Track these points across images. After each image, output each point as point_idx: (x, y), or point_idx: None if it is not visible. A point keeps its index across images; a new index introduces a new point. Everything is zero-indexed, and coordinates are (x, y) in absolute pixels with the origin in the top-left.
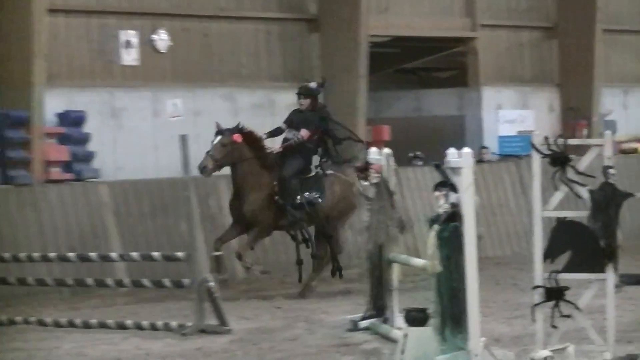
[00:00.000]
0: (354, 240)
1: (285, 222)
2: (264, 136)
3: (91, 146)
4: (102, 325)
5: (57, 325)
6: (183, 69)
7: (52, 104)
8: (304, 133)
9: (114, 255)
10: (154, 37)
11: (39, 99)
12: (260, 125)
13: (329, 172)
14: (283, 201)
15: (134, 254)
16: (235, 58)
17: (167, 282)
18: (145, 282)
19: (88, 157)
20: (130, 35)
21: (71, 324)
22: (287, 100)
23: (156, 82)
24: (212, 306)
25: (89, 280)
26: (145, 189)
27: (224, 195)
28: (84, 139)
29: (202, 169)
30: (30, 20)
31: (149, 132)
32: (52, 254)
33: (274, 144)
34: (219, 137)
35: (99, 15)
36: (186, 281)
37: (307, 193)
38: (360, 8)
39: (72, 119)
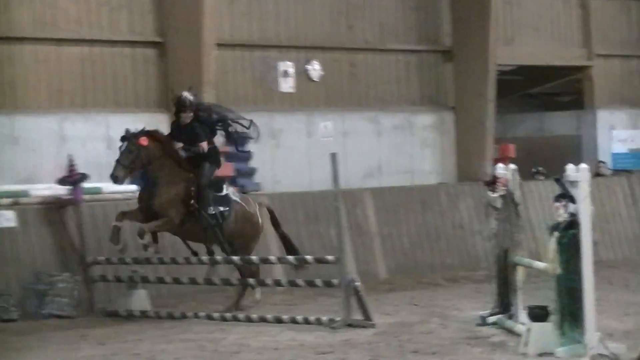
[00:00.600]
0: (482, 245)
1: (192, 228)
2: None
3: (253, 163)
4: (262, 320)
5: (223, 319)
6: (333, 95)
7: None
8: (203, 145)
9: (272, 258)
10: (308, 67)
11: None
12: (400, 144)
13: (236, 198)
14: (199, 206)
15: (290, 257)
16: (378, 85)
17: (318, 281)
18: (300, 281)
19: (250, 173)
20: (288, 66)
21: (235, 319)
22: (424, 122)
23: (310, 107)
24: (358, 303)
25: (251, 280)
26: (300, 200)
27: (368, 206)
28: (247, 157)
29: (114, 178)
30: (201, 53)
31: (303, 150)
32: (218, 257)
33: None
34: (125, 144)
35: (261, 48)
36: (335, 281)
37: (220, 207)
38: (489, 40)
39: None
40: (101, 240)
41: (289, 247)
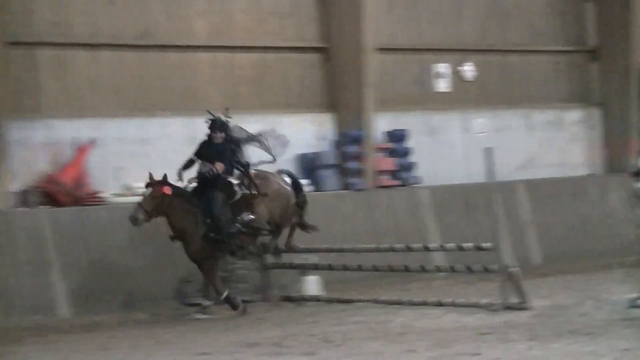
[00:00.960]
0: (631, 233)
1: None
2: (182, 172)
3: (413, 158)
4: (425, 303)
5: (389, 303)
6: (486, 94)
7: (382, 124)
8: (219, 166)
9: (433, 246)
10: (462, 68)
11: (370, 121)
12: (550, 139)
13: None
14: (218, 236)
15: (449, 245)
16: (529, 84)
17: (476, 267)
18: (459, 267)
19: (410, 167)
20: (443, 68)
21: (400, 302)
22: (573, 118)
23: (464, 105)
24: (515, 287)
25: (413, 267)
26: (457, 192)
27: (521, 196)
28: (407, 152)
29: (134, 220)
30: (363, 57)
31: (459, 146)
32: (383, 246)
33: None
34: (149, 190)
35: (418, 52)
36: (492, 266)
37: (239, 217)
38: (632, 40)
39: (397, 136)
40: None
41: (304, 221)
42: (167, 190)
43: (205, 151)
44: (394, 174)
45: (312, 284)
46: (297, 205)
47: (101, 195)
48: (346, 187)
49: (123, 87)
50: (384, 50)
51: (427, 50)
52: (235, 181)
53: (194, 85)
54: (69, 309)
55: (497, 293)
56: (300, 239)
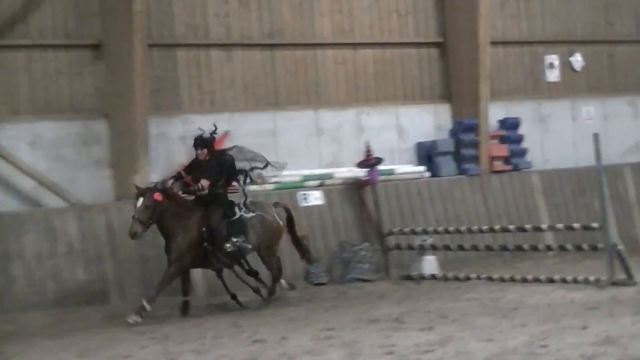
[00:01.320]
0: None
1: (206, 264)
2: (172, 183)
3: (524, 144)
4: (536, 280)
5: (502, 280)
6: (594, 83)
7: (495, 113)
8: (204, 183)
9: (543, 226)
10: (571, 59)
11: (484, 110)
12: None
13: (254, 214)
14: (213, 248)
15: (559, 225)
16: (636, 72)
17: (585, 246)
18: (568, 246)
19: (522, 153)
20: (553, 59)
21: (512, 279)
22: None
23: (573, 94)
24: (621, 264)
25: (525, 246)
26: (566, 176)
27: (628, 179)
28: (519, 139)
29: (133, 234)
30: (477, 50)
31: (568, 132)
32: (496, 227)
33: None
34: (141, 200)
35: (529, 44)
36: (600, 245)
37: (234, 239)
38: None
39: (509, 124)
40: (394, 214)
41: (302, 249)
42: (158, 196)
43: (195, 168)
44: (506, 159)
45: (429, 264)
46: (294, 242)
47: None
48: (462, 172)
49: (254, 84)
50: (497, 43)
51: (538, 42)
52: (236, 202)
53: (320, 81)
54: (204, 289)
55: (604, 270)
56: (419, 220)
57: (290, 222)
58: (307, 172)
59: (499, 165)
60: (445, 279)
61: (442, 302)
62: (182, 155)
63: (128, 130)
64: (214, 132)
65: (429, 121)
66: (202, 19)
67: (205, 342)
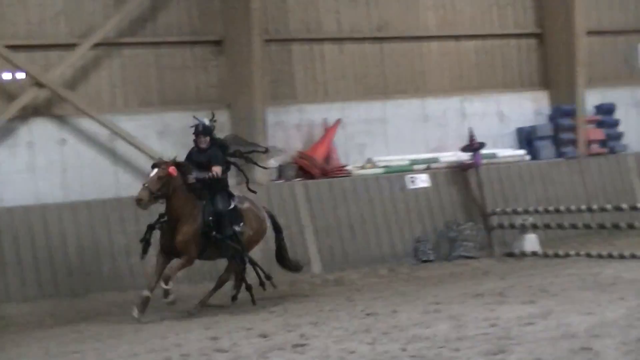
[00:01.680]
0: None
1: (211, 254)
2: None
3: (620, 128)
4: (632, 256)
5: (600, 257)
6: None
7: (591, 99)
8: (217, 169)
9: (639, 205)
10: None
11: (581, 96)
12: None
13: (245, 205)
14: (221, 236)
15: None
16: None
17: None
18: None
19: (618, 136)
20: None
21: (609, 256)
22: None
23: None
24: None
25: (622, 224)
26: None
27: None
28: (614, 123)
29: (138, 201)
30: (574, 40)
31: None
32: (594, 207)
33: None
34: (155, 170)
35: (624, 33)
36: None
37: (235, 226)
38: None
39: (605, 109)
40: (496, 196)
41: (286, 258)
42: (173, 171)
43: (196, 158)
44: (603, 142)
45: (530, 242)
46: (278, 248)
47: (346, 168)
48: (560, 155)
49: (364, 74)
50: (593, 33)
51: (633, 31)
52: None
53: (425, 71)
54: (320, 266)
55: None
56: (520, 201)
57: (277, 227)
58: (414, 156)
59: (595, 148)
60: (545, 256)
61: (543, 278)
62: (298, 141)
63: (248, 118)
64: (213, 120)
65: (528, 107)
66: (315, 15)
67: (322, 315)
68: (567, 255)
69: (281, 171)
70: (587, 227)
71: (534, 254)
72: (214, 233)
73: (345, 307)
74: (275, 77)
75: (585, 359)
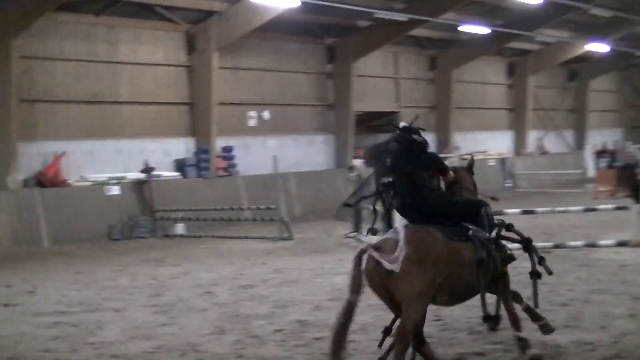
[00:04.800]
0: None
1: None
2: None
3: (235, 161)
4: (239, 237)
5: (220, 237)
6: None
7: (219, 142)
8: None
9: (243, 207)
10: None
11: (213, 141)
12: None
13: None
14: None
15: (254, 206)
16: None
17: (267, 218)
18: (259, 218)
19: (234, 165)
20: None
21: (225, 237)
22: None
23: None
24: (287, 228)
25: (233, 218)
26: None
27: (292, 183)
28: (232, 157)
29: None
30: (210, 107)
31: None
32: (218, 207)
33: None
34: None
35: (238, 105)
36: (275, 217)
37: None
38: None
39: (227, 149)
40: (161, 199)
41: None
42: None
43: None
44: (225, 169)
45: (180, 228)
46: None
47: (69, 181)
48: (200, 176)
49: (83, 123)
50: (222, 103)
51: (245, 104)
52: None
53: (122, 122)
54: (48, 240)
55: (277, 231)
56: (175, 203)
57: None
58: (111, 174)
59: (221, 172)
60: (189, 237)
61: (186, 250)
62: (39, 165)
63: (4, 151)
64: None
65: (182, 147)
66: (52, 84)
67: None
68: (201, 237)
69: (26, 182)
70: (214, 220)
71: (182, 236)
72: None
73: (56, 269)
74: (25, 123)
75: (207, 297)
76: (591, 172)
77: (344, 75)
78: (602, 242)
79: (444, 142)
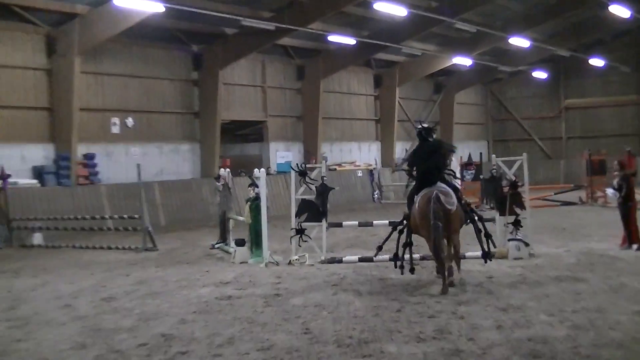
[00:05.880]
0: (213, 209)
1: None
2: None
3: (97, 168)
4: (102, 247)
5: (81, 247)
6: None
7: (80, 149)
8: None
9: (106, 216)
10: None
11: (74, 147)
12: None
13: None
14: None
15: (117, 216)
16: None
17: (131, 228)
18: (122, 228)
19: (96, 173)
20: None
21: (87, 247)
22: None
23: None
24: (150, 239)
25: (95, 228)
26: (121, 188)
27: (156, 191)
28: (94, 165)
29: None
30: (71, 113)
31: None
32: (79, 217)
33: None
34: None
35: (101, 111)
36: (139, 227)
37: None
38: (217, 106)
39: (89, 157)
40: (17, 207)
41: None
42: None
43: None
44: (86, 177)
45: (38, 238)
46: None
47: None
48: (60, 184)
49: None
50: (83, 109)
51: (107, 110)
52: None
53: None
54: None
55: (141, 242)
56: (33, 212)
57: None
58: None
59: (82, 180)
60: (47, 247)
61: (45, 261)
62: None
63: None
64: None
65: (41, 153)
66: None
67: None
68: (61, 247)
69: None
70: (74, 229)
71: (40, 246)
72: None
73: None
74: None
75: (67, 310)
76: (458, 184)
77: (211, 83)
78: (469, 253)
79: (311, 152)
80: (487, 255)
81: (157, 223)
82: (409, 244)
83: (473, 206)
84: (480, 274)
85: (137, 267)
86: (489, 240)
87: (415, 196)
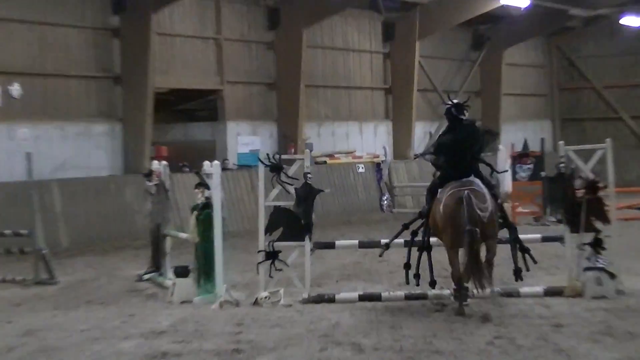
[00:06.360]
0: (140, 222)
1: None
2: None
3: None
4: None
5: None
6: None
7: None
8: None
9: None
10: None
11: None
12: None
13: None
14: None
15: None
16: None
17: (14, 249)
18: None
19: None
20: None
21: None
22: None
23: (10, 119)
24: (45, 266)
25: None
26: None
27: (56, 193)
28: None
29: None
30: None
31: (3, 151)
32: None
33: None
34: None
35: None
36: (28, 249)
37: None
38: (148, 70)
39: None
40: None
41: None
42: None
43: None
44: None
45: None
46: None
47: None
48: None
49: None
50: None
51: None
52: None
53: None
54: None
55: (31, 271)
56: None
57: None
58: None
59: None
60: None
61: None
62: None
63: None
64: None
65: None
66: None
67: None
68: None
69: None
70: None
71: None
72: None
73: None
74: None
75: None
76: (507, 184)
77: (138, 32)
78: (524, 289)
79: (289, 136)
80: (519, 273)
81: (56, 242)
82: (426, 249)
83: (532, 218)
84: (542, 320)
85: (25, 310)
86: (526, 256)
87: (440, 190)
